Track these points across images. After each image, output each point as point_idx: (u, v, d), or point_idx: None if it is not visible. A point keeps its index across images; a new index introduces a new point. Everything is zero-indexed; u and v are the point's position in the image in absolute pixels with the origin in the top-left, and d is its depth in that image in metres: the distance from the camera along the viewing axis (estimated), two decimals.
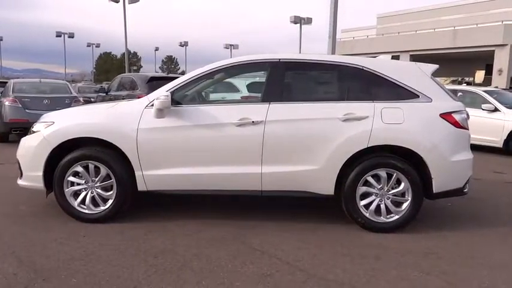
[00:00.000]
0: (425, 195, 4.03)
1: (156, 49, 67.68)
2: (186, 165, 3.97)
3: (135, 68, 72.67)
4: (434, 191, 3.94)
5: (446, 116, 3.94)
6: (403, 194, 3.95)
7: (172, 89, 4.06)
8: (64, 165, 4.01)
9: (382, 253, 3.49)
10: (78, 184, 4.06)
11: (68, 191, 4.05)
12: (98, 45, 64.50)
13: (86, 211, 4.07)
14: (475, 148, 8.58)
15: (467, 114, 4.10)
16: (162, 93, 3.93)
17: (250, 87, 11.35)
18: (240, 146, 3.94)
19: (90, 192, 4.07)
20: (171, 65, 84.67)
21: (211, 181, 4.01)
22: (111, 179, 4.02)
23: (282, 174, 3.94)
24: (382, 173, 3.91)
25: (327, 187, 3.95)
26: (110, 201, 4.05)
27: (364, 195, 3.97)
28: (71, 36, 49.49)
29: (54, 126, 4.06)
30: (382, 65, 4.12)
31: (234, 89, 11.47)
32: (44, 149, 4.02)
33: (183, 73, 41.24)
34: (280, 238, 3.76)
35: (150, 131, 3.94)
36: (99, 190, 4.06)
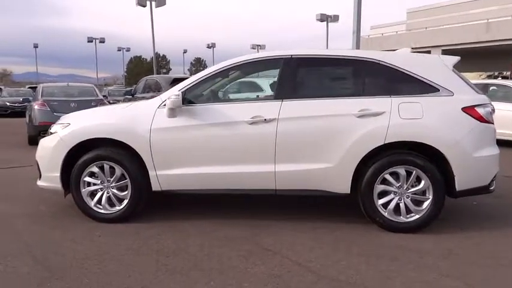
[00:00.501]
0: (448, 194, 3.86)
1: (185, 51, 68.63)
2: (199, 165, 3.94)
3: (164, 70, 73.94)
4: (457, 189, 3.76)
5: (468, 110, 3.75)
6: (423, 192, 3.79)
7: (185, 89, 4.04)
8: (80, 165, 4.06)
9: (399, 254, 3.35)
10: (94, 184, 4.11)
11: (85, 191, 4.11)
12: (128, 50, 66.00)
13: (102, 211, 4.11)
14: (508, 144, 8.23)
15: (493, 108, 3.89)
16: (174, 92, 3.93)
17: (274, 86, 11.24)
18: (253, 145, 3.88)
19: (106, 192, 4.10)
20: (199, 67, 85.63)
21: (225, 180, 3.96)
22: (126, 179, 4.04)
23: (296, 173, 3.85)
24: (401, 170, 3.76)
25: (343, 186, 3.83)
26: (125, 201, 4.07)
27: (382, 194, 3.83)
28: (102, 41, 50.77)
29: (70, 128, 4.12)
30: (399, 59, 3.97)
31: (258, 88, 11.41)
32: (61, 150, 4.08)
33: None
34: (294, 238, 3.68)
35: (162, 130, 3.94)
36: (114, 190, 4.09)
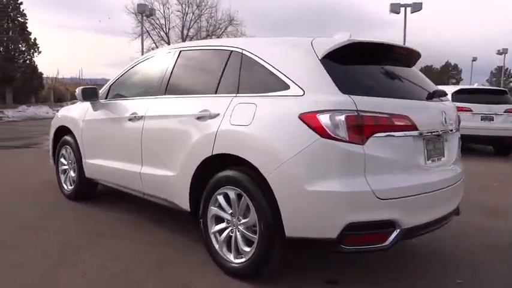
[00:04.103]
0: None
1: (474, 59, 60.95)
2: (100, 157, 4.12)
3: (453, 80, 67.93)
4: (285, 234, 2.53)
5: (307, 117, 2.45)
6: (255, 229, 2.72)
7: (110, 84, 4.28)
8: (58, 148, 4.91)
9: None
10: (64, 164, 4.86)
11: (59, 169, 4.92)
12: None
13: (65, 187, 4.81)
14: None
15: (357, 118, 2.36)
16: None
17: None
18: (128, 142, 3.74)
19: (69, 172, 4.78)
20: (501, 77, 74.30)
21: (113, 176, 3.99)
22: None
23: (152, 177, 3.48)
24: (231, 192, 2.83)
25: (183, 200, 3.19)
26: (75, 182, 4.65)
27: (219, 220, 2.98)
28: None
29: (56, 116, 5.05)
30: (265, 47, 2.98)
31: None
32: (51, 133, 5.05)
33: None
34: (122, 256, 3.21)
35: (86, 122, 4.32)
36: (71, 172, 4.72)
